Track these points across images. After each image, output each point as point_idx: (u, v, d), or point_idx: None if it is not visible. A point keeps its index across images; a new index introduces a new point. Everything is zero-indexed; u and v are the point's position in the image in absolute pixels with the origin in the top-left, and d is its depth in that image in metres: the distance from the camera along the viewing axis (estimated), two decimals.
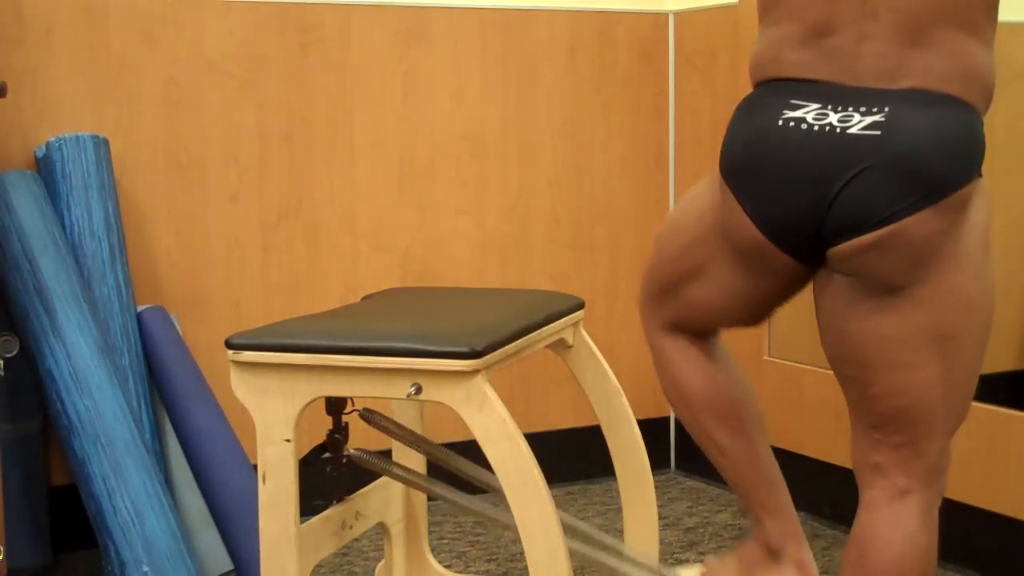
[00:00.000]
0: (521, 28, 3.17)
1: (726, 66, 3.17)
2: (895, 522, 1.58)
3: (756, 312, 1.76)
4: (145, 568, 2.38)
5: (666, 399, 1.89)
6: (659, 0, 3.33)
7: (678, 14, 3.32)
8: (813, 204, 1.50)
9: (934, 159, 1.45)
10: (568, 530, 1.77)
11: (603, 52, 3.27)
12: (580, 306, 2.12)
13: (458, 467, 2.03)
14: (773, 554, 1.84)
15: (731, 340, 3.17)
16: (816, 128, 1.49)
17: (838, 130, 1.47)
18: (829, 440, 2.87)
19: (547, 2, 3.20)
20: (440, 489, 1.95)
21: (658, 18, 3.33)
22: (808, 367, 2.93)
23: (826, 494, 2.87)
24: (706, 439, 1.84)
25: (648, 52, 3.32)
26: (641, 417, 2.21)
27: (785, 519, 1.84)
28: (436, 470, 2.18)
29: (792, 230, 1.54)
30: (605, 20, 3.26)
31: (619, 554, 1.98)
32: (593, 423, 2.18)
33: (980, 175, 1.51)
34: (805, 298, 1.72)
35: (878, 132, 1.45)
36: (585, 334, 2.14)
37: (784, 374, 3.02)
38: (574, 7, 3.23)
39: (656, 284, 1.82)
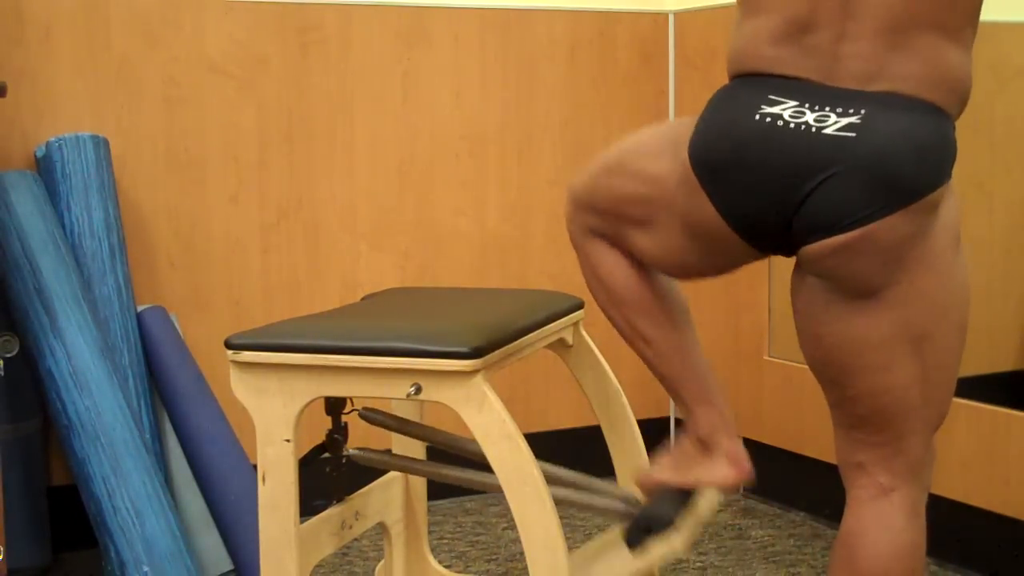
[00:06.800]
0: (521, 28, 3.17)
1: (726, 66, 3.16)
2: (881, 520, 1.59)
3: (691, 275, 1.75)
4: (145, 568, 2.38)
5: (589, 292, 1.84)
6: (659, 0, 3.33)
7: (678, 14, 3.32)
8: (783, 201, 1.49)
9: (906, 164, 1.45)
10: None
11: (603, 52, 3.27)
12: (580, 306, 2.12)
13: (464, 448, 2.01)
14: (705, 447, 1.81)
15: (731, 341, 3.17)
16: (792, 126, 1.49)
17: (814, 129, 1.47)
18: (829, 440, 2.85)
19: (547, 2, 3.20)
20: (445, 470, 1.94)
21: (658, 18, 3.33)
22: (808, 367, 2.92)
23: (826, 494, 2.87)
24: (632, 332, 1.80)
25: (648, 52, 3.32)
26: (641, 417, 2.20)
27: (715, 411, 1.80)
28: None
29: (759, 224, 1.53)
30: (605, 20, 3.26)
31: (588, 488, 1.94)
32: (593, 423, 2.18)
33: (950, 177, 1.52)
34: None
35: (853, 134, 1.46)
36: (585, 334, 2.14)
37: (784, 374, 3.02)
38: (574, 7, 3.22)
39: (596, 207, 1.75)
